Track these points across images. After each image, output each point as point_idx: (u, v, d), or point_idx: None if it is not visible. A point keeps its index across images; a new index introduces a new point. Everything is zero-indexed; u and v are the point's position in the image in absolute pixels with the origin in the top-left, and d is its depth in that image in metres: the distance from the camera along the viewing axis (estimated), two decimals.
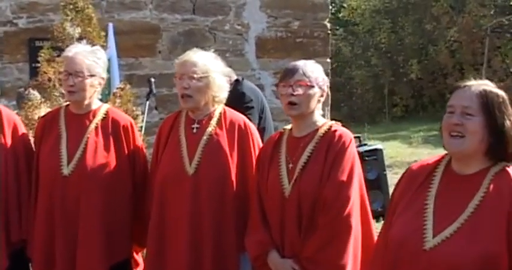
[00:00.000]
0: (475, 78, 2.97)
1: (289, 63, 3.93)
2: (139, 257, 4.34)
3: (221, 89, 4.08)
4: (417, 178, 2.97)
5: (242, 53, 8.54)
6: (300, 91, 3.73)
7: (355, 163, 3.70)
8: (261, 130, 5.43)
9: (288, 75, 3.78)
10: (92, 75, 4.08)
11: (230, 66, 5.32)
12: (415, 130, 17.58)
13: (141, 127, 5.43)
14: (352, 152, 3.71)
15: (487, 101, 2.81)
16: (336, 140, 3.71)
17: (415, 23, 23.56)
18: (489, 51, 20.16)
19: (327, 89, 3.87)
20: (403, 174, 3.09)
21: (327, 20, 8.74)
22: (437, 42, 22.65)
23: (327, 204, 3.60)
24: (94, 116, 4.17)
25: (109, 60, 5.15)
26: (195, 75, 3.97)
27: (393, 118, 22.09)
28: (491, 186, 2.79)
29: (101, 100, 4.30)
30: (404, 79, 22.83)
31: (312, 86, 3.74)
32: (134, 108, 5.49)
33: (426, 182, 2.94)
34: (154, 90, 6.13)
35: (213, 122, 4.05)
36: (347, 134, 3.76)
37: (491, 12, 21.77)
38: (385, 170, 8.62)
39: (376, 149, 8.69)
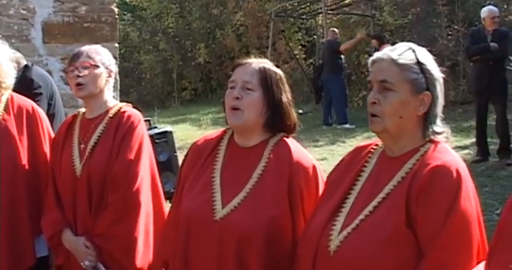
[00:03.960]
0: None
1: (76, 49, 3.98)
2: None
3: (8, 75, 4.05)
4: (203, 153, 3.10)
5: (28, 39, 8.36)
6: (85, 72, 3.80)
7: (144, 142, 3.80)
8: (51, 116, 5.39)
9: (74, 59, 3.85)
10: None
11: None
12: (204, 113, 17.92)
13: None
14: (141, 131, 3.81)
15: (265, 77, 2.99)
16: (125, 120, 3.80)
17: (202, 7, 23.87)
18: (274, 34, 20.87)
19: (114, 69, 3.95)
20: (189, 150, 3.21)
21: (114, 4, 8.72)
22: (224, 26, 23.12)
23: (116, 181, 3.68)
24: None
25: None
26: None
27: (183, 102, 22.29)
28: (272, 155, 2.97)
29: None
30: (193, 63, 23.07)
31: (97, 66, 3.83)
32: None
33: (211, 156, 3.07)
34: None
35: (0, 108, 4.02)
36: (136, 115, 3.86)
37: None
38: (175, 152, 8.78)
39: (166, 132, 8.83)
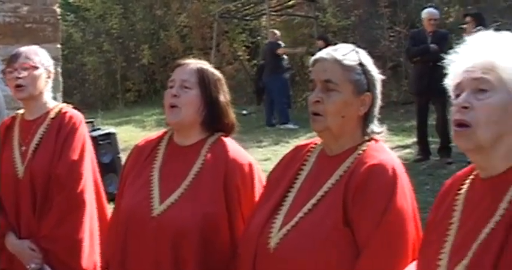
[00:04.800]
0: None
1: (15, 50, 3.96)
2: None
3: None
4: (143, 153, 3.14)
5: None
6: (25, 73, 3.79)
7: (86, 143, 3.81)
8: None
9: (12, 60, 3.83)
10: None
11: None
12: (148, 114, 17.85)
13: None
14: (83, 132, 3.82)
15: (203, 76, 3.05)
16: (67, 121, 3.80)
17: (146, 8, 23.76)
18: (218, 35, 20.90)
19: (53, 70, 3.95)
20: (131, 151, 3.25)
21: (57, 5, 8.65)
22: (168, 27, 23.05)
23: (60, 182, 3.68)
24: None
25: None
26: None
27: (127, 103, 22.15)
28: (209, 154, 3.02)
29: None
30: (137, 64, 22.96)
31: (37, 67, 3.82)
32: None
33: (151, 156, 3.11)
34: None
35: None
36: (77, 115, 3.86)
37: None
38: (119, 153, 8.78)
39: (109, 133, 8.83)
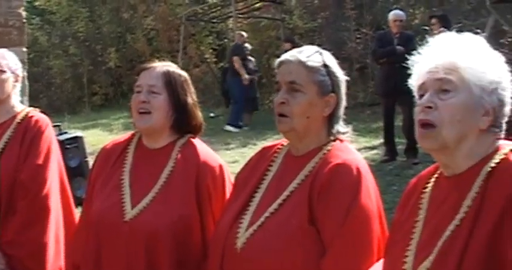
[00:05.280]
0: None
1: None
2: None
3: None
4: (111, 156, 3.13)
5: None
6: None
7: (52, 147, 3.78)
8: None
9: None
10: None
11: None
12: (115, 117, 17.76)
13: None
14: (49, 136, 3.79)
15: (170, 80, 3.05)
16: (33, 124, 3.78)
17: (113, 11, 23.66)
18: (184, 38, 20.89)
19: (21, 74, 3.92)
20: (98, 154, 3.23)
21: (22, 8, 8.60)
22: (135, 30, 22.97)
23: (24, 187, 3.65)
24: None
25: None
26: None
27: (93, 107, 22.02)
28: (179, 156, 3.03)
29: None
30: (103, 68, 22.84)
31: (4, 71, 3.80)
32: None
33: (120, 159, 3.11)
34: None
35: None
36: (44, 119, 3.84)
37: (187, 1, 22.51)
38: (86, 157, 8.74)
39: (76, 137, 8.79)
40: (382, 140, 10.91)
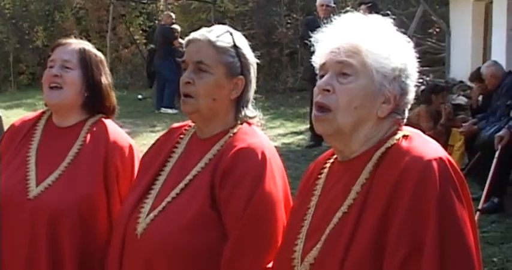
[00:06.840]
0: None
1: None
2: None
3: None
4: (19, 133, 3.05)
5: None
6: None
7: None
8: None
9: None
10: None
11: None
12: (41, 97, 17.23)
13: None
14: None
15: (85, 57, 2.99)
16: None
17: None
18: (114, 19, 20.63)
19: None
20: (6, 131, 3.16)
21: None
22: (64, 8, 22.67)
23: None
24: None
25: None
26: None
27: (20, 86, 21.72)
28: (88, 136, 2.96)
29: None
30: (30, 46, 22.49)
31: None
32: None
33: (28, 136, 3.03)
34: None
35: None
36: None
37: None
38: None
39: None
40: (308, 126, 10.96)
